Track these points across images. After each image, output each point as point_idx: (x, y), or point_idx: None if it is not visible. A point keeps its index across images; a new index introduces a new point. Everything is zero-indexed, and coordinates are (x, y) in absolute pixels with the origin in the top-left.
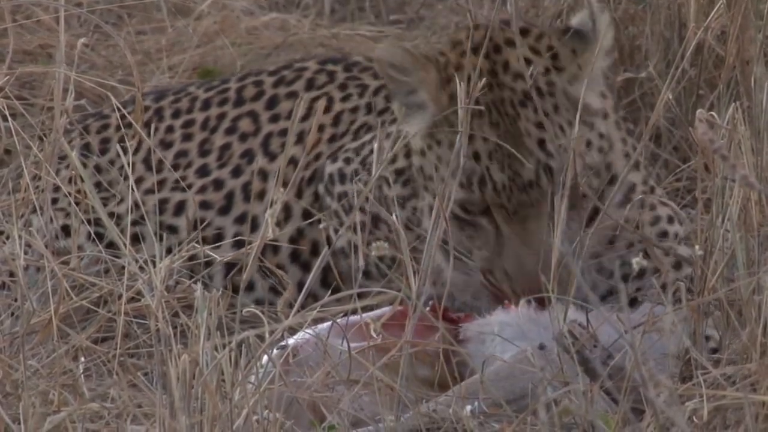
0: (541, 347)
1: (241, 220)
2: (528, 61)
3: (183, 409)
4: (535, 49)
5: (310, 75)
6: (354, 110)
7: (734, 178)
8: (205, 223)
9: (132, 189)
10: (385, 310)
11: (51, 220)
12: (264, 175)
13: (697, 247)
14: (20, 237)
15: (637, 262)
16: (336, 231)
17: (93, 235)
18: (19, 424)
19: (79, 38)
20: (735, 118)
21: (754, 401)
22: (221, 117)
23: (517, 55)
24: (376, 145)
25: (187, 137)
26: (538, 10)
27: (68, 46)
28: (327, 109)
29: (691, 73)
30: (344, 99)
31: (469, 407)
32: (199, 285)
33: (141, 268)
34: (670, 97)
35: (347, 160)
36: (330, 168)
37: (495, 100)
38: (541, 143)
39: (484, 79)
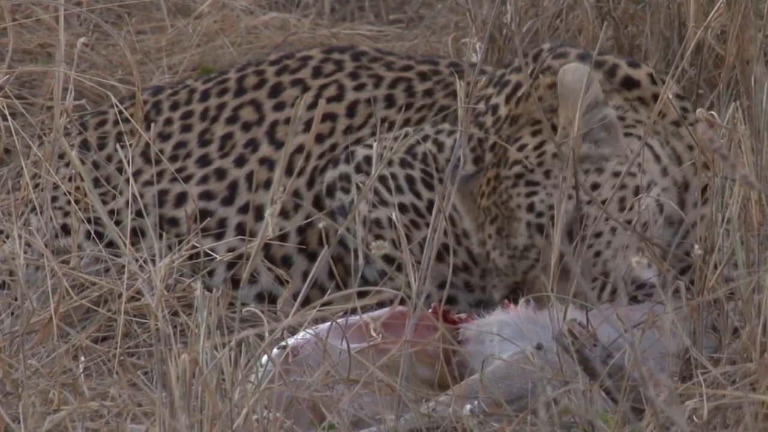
0: (539, 347)
1: (245, 209)
2: (523, 147)
3: (183, 408)
4: (535, 133)
5: (316, 63)
6: (370, 101)
7: (734, 177)
8: (208, 216)
9: (131, 185)
10: (385, 310)
11: (50, 219)
12: (270, 164)
13: (696, 246)
14: (20, 236)
15: (636, 261)
16: (373, 205)
17: (93, 234)
18: (19, 423)
19: (78, 37)
20: (735, 118)
21: (754, 400)
22: (221, 107)
23: (518, 146)
24: (375, 144)
25: (186, 128)
26: (537, 9)
27: (68, 45)
28: (338, 98)
29: (690, 72)
30: (357, 88)
31: (468, 407)
32: (199, 284)
33: (141, 267)
34: (670, 96)
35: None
36: (366, 151)
37: (496, 199)
38: (530, 207)
39: (483, 78)
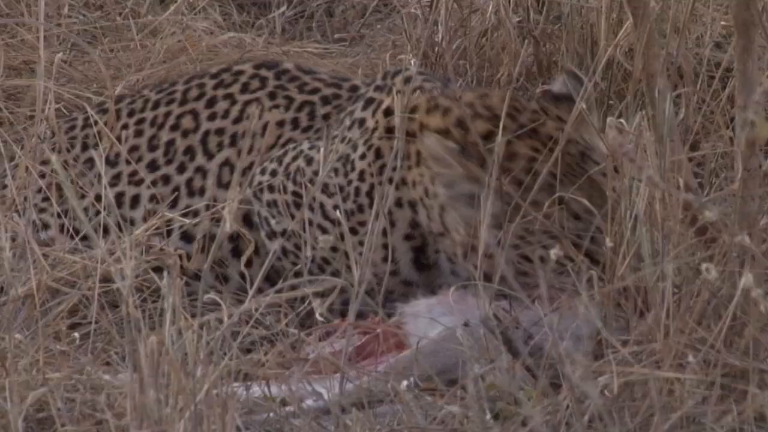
0: (466, 324)
1: (186, 215)
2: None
3: (151, 385)
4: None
5: (245, 79)
6: (280, 124)
7: (641, 178)
8: (158, 215)
9: (104, 185)
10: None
11: (31, 221)
12: (203, 173)
13: (607, 239)
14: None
15: (554, 253)
16: (268, 236)
17: (67, 227)
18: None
19: (58, 55)
20: (641, 126)
21: (659, 377)
22: (167, 115)
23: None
24: (322, 149)
25: (138, 133)
26: (465, 29)
27: (48, 61)
28: (259, 116)
29: (602, 85)
30: (272, 109)
31: (405, 382)
32: (165, 273)
33: (111, 254)
34: (584, 106)
35: (273, 173)
36: (260, 177)
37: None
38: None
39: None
